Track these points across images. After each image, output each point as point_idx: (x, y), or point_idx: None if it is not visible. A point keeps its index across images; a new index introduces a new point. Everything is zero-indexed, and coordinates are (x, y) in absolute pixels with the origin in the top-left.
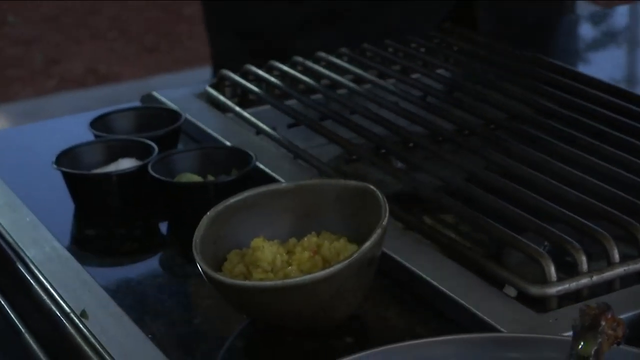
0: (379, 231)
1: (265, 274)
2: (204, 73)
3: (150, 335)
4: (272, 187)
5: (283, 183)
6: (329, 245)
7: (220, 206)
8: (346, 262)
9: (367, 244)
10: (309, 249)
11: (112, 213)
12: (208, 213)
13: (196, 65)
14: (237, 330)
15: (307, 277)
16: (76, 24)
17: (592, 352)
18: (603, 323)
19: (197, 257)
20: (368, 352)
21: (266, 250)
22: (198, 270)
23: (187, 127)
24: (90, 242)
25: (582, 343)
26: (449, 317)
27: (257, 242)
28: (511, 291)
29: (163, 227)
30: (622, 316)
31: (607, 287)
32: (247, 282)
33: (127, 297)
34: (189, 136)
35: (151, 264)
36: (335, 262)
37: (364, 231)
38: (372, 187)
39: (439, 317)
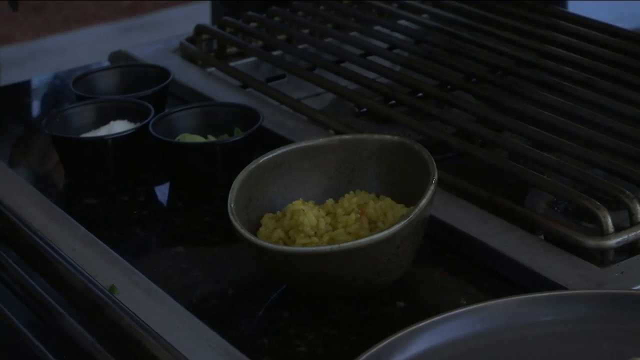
0: (432, 188)
1: (309, 239)
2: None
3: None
4: (303, 144)
5: (316, 139)
6: (374, 205)
7: (251, 166)
8: (405, 221)
9: (424, 201)
10: (350, 210)
11: (109, 180)
12: (239, 175)
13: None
14: (277, 301)
15: (365, 240)
16: None
17: None
18: None
19: (236, 225)
20: (460, 310)
21: (309, 213)
22: (218, 237)
23: (176, 86)
24: (94, 212)
25: None
26: (502, 275)
27: (297, 204)
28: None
29: (166, 191)
30: None
31: None
32: (298, 248)
33: (150, 268)
34: (172, 95)
35: (165, 232)
36: (382, 223)
37: (404, 189)
38: (412, 141)
39: (491, 275)
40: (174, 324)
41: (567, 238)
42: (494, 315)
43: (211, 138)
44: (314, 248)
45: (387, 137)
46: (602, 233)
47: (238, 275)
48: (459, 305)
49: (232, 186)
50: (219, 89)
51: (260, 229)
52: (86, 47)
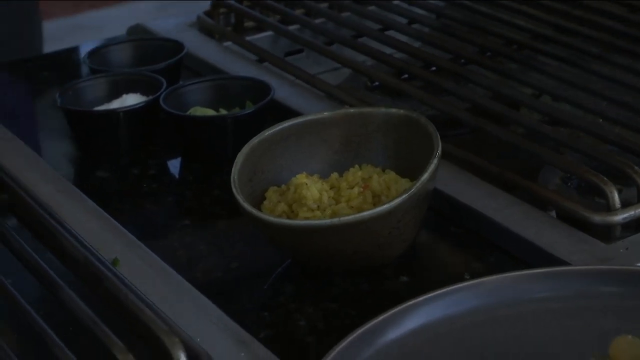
0: (435, 162)
1: (311, 212)
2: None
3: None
4: (309, 117)
5: (322, 113)
6: (378, 178)
7: (254, 140)
8: (406, 195)
9: (426, 175)
10: (354, 184)
11: (121, 153)
12: (243, 149)
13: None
14: (280, 275)
15: (366, 213)
16: None
17: None
18: None
19: (239, 198)
20: (456, 285)
21: (311, 187)
22: (225, 211)
23: (185, 59)
24: (104, 185)
25: None
26: (506, 251)
27: (300, 178)
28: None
29: (177, 164)
30: None
31: None
32: (300, 222)
33: (155, 241)
34: (188, 68)
35: (175, 205)
36: (385, 196)
37: (407, 163)
38: (418, 114)
39: (496, 250)
40: (175, 297)
41: (574, 214)
42: (490, 291)
43: (223, 111)
44: (314, 221)
45: (393, 110)
46: (609, 209)
47: (243, 249)
48: (462, 280)
49: (236, 159)
50: (234, 62)
51: (265, 202)
52: (125, 22)
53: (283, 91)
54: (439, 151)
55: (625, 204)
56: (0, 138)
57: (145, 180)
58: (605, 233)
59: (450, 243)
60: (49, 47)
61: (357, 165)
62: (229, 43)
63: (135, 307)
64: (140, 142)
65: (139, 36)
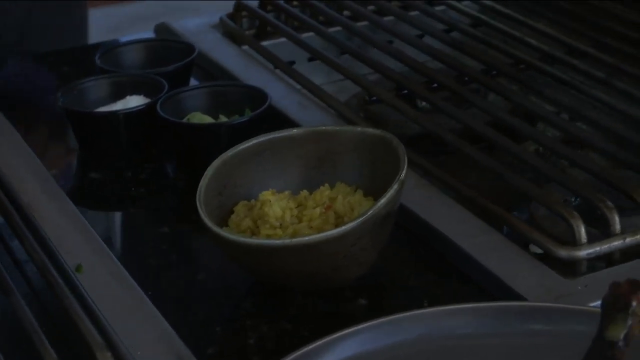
0: (395, 187)
1: (273, 230)
2: None
3: (149, 292)
4: (284, 133)
5: (296, 129)
6: (343, 200)
7: (228, 154)
8: (359, 220)
9: (383, 201)
10: (321, 203)
11: (119, 155)
12: (214, 162)
13: None
14: (244, 290)
15: (316, 236)
16: None
17: (621, 337)
18: (634, 303)
19: (200, 210)
20: (376, 321)
21: (274, 204)
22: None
23: (200, 61)
24: (93, 186)
25: (610, 325)
26: (470, 278)
27: (266, 195)
28: (537, 249)
29: (171, 170)
30: None
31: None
32: (251, 240)
33: (127, 248)
34: (203, 70)
35: (157, 211)
36: (348, 218)
37: (380, 184)
38: (391, 136)
39: (459, 277)
40: (127, 309)
41: (540, 246)
42: (411, 326)
43: (223, 118)
44: (266, 241)
45: (369, 130)
46: (575, 243)
47: (214, 261)
48: (420, 307)
49: (206, 172)
50: (247, 68)
51: (232, 216)
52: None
53: (287, 100)
54: (402, 176)
55: (594, 239)
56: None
57: (135, 184)
58: (571, 267)
59: (416, 266)
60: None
61: (326, 184)
62: (247, 47)
63: (76, 317)
64: (140, 144)
65: (151, 37)
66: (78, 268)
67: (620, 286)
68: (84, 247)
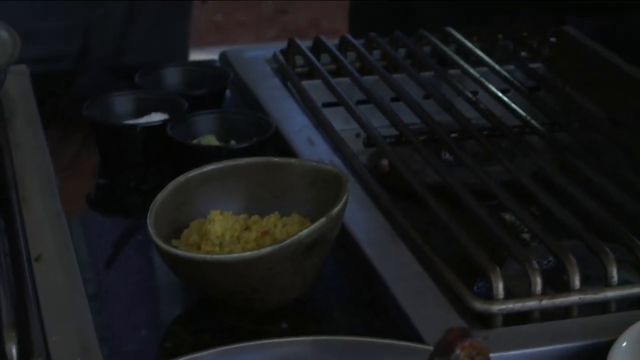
0: (321, 220)
1: (212, 247)
2: None
3: (95, 290)
4: (252, 160)
5: (264, 158)
6: (282, 227)
7: (191, 173)
8: (277, 246)
9: (304, 232)
10: (262, 228)
11: (132, 166)
12: (177, 178)
13: None
14: (185, 300)
15: (232, 255)
16: None
17: None
18: (458, 351)
19: (148, 217)
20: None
21: (217, 224)
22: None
23: (243, 89)
24: (98, 191)
25: None
26: (390, 317)
27: (213, 214)
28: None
29: None
30: (564, 346)
31: (563, 311)
32: (176, 251)
33: (100, 251)
34: (244, 100)
35: (140, 222)
36: None
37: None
38: (341, 173)
39: (386, 316)
40: (61, 297)
41: (459, 297)
42: (252, 356)
43: (233, 143)
44: (186, 253)
45: (322, 165)
46: (491, 297)
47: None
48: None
49: (166, 186)
50: (277, 101)
51: (185, 230)
52: None
53: (299, 135)
54: (332, 212)
55: (512, 295)
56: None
57: (133, 194)
58: (487, 321)
59: (348, 297)
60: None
61: (277, 213)
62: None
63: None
64: (152, 158)
65: (192, 61)
66: (37, 258)
67: (452, 332)
68: (50, 240)
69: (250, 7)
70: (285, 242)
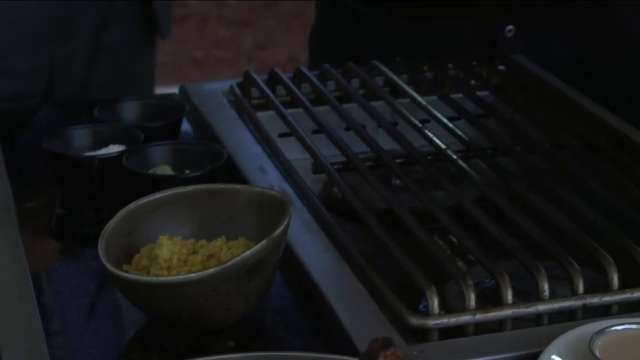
0: (263, 242)
1: (160, 270)
2: None
3: (54, 310)
4: (202, 187)
5: (205, 184)
6: (227, 250)
7: (142, 200)
8: (220, 267)
9: (246, 254)
10: (208, 251)
11: (89, 196)
12: (128, 205)
13: None
14: (138, 321)
15: (177, 277)
16: (290, 13)
17: None
18: (381, 359)
19: (99, 245)
20: None
21: (165, 248)
22: None
23: (200, 122)
24: (54, 221)
25: None
26: (331, 334)
27: (162, 239)
28: None
29: None
30: (496, 357)
31: (499, 325)
32: (124, 274)
33: (52, 277)
34: (201, 131)
35: (92, 249)
36: None
37: None
38: (285, 198)
39: (327, 335)
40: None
41: (395, 312)
42: None
43: (187, 172)
44: (136, 277)
45: (267, 191)
46: (427, 313)
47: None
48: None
49: (118, 213)
50: (232, 131)
51: (136, 255)
52: None
53: (251, 164)
54: (274, 234)
55: (449, 310)
56: None
57: (90, 223)
58: (423, 335)
59: (293, 317)
60: None
61: (223, 237)
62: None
63: None
64: (109, 189)
65: (148, 95)
66: None
67: (376, 342)
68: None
69: (229, 43)
70: (228, 263)
